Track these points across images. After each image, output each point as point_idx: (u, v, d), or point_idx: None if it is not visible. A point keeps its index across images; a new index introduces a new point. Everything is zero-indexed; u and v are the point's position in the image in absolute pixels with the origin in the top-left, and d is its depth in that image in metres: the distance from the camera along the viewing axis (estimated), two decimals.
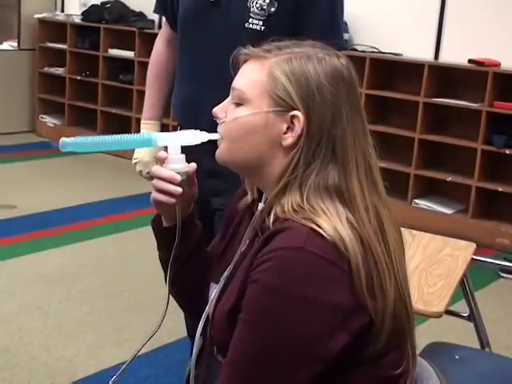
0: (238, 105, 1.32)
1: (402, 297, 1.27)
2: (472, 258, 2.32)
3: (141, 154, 2.43)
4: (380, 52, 5.25)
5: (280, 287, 1.18)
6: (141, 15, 6.64)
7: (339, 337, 1.18)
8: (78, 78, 6.85)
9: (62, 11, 7.27)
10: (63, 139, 1.34)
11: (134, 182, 5.63)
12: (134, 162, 2.44)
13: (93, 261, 4.09)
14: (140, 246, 4.40)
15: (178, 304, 1.58)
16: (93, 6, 6.76)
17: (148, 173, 2.44)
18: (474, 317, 2.48)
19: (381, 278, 1.22)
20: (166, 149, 1.39)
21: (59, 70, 7.01)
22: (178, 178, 1.34)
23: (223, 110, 1.35)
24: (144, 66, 6.39)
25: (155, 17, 6.60)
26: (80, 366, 2.94)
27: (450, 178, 5.05)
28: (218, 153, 1.36)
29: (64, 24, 6.90)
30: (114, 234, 4.58)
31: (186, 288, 1.53)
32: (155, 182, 1.38)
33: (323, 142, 1.25)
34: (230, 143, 1.33)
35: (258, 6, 2.11)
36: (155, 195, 1.39)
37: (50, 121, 7.15)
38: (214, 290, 1.40)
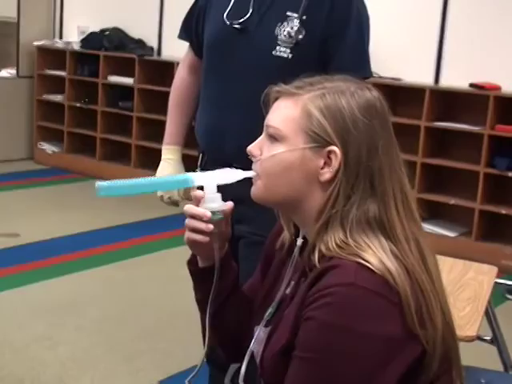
0: (274, 142, 1.32)
1: (448, 323, 1.28)
2: (495, 282, 2.32)
3: None
4: (380, 77, 5.28)
5: (335, 323, 1.19)
6: (140, 42, 6.67)
7: (395, 368, 1.19)
8: (77, 105, 6.85)
9: (61, 39, 7.29)
10: (99, 183, 1.32)
11: (135, 210, 5.67)
12: None
13: (100, 289, 4.07)
14: (146, 273, 4.40)
15: (217, 341, 1.55)
16: (92, 33, 6.78)
17: (169, 198, 2.43)
18: (497, 340, 2.48)
19: (428, 307, 1.23)
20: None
21: (58, 97, 7.02)
22: (209, 214, 1.34)
23: (258, 148, 1.35)
24: (144, 92, 6.47)
25: (154, 44, 6.64)
26: None
27: (453, 201, 5.07)
28: (254, 190, 1.36)
29: (63, 51, 6.92)
30: (119, 261, 4.56)
31: (226, 327, 1.52)
32: (187, 221, 1.37)
33: (361, 175, 1.26)
34: (267, 180, 1.33)
35: (285, 33, 2.11)
36: (189, 235, 1.38)
37: (48, 148, 7.14)
38: (260, 332, 1.40)
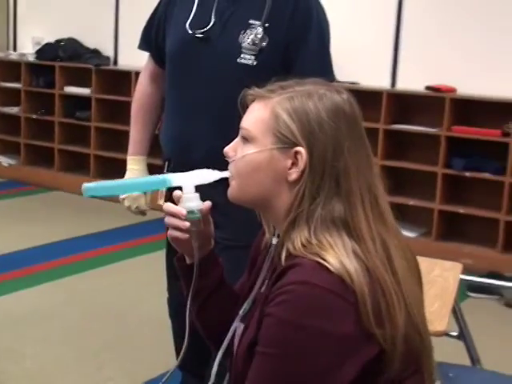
0: (246, 143, 1.37)
1: (413, 322, 1.30)
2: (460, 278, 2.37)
3: None
4: (338, 82, 5.34)
5: (291, 320, 1.22)
6: (96, 52, 6.64)
7: (349, 366, 1.22)
8: (34, 116, 6.79)
9: (15, 50, 7.22)
10: (85, 184, 1.40)
11: (96, 220, 5.64)
12: (121, 197, 2.44)
13: (64, 300, 4.03)
14: (111, 282, 4.37)
15: (203, 336, 1.60)
16: (46, 44, 6.73)
17: (137, 207, 2.44)
18: (464, 336, 2.53)
19: (389, 306, 1.26)
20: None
21: (14, 110, 6.94)
22: (184, 212, 1.39)
23: (233, 149, 1.40)
24: (101, 102, 6.44)
25: (110, 53, 6.62)
26: None
27: (412, 202, 5.14)
28: (229, 191, 1.41)
29: (18, 63, 6.85)
30: (82, 271, 4.52)
31: (210, 321, 1.56)
32: (166, 219, 1.43)
33: (326, 176, 1.30)
34: (239, 180, 1.38)
35: (249, 41, 2.14)
36: (170, 232, 1.44)
37: (5, 161, 7.05)
38: (238, 328, 1.45)
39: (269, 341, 1.25)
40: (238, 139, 1.40)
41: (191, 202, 1.40)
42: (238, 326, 1.47)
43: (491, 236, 4.88)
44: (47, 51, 6.66)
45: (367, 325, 1.22)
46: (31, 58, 6.79)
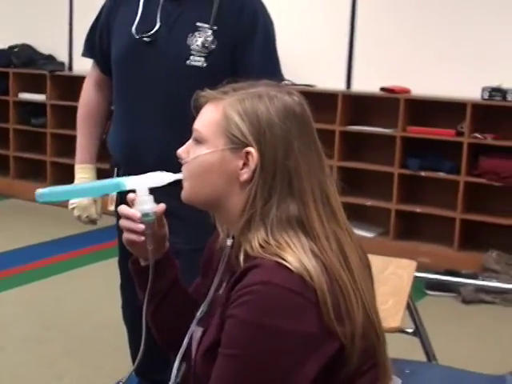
0: (198, 145, 1.38)
1: (370, 318, 1.33)
2: (415, 276, 2.40)
3: (78, 199, 2.39)
4: (294, 84, 5.37)
5: (254, 321, 1.23)
6: (50, 58, 6.57)
7: (312, 363, 1.24)
8: None
9: None
10: (38, 190, 1.40)
11: (52, 227, 5.57)
12: (71, 207, 2.41)
13: (21, 309, 3.98)
14: (68, 290, 4.34)
15: (157, 339, 1.59)
16: None
17: (87, 217, 2.41)
18: (419, 332, 2.57)
19: (347, 303, 1.28)
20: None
21: None
22: (139, 215, 1.40)
23: (186, 151, 1.41)
24: (56, 108, 6.38)
25: (65, 59, 6.56)
26: None
27: (369, 203, 5.19)
28: (182, 192, 1.42)
29: None
30: (39, 280, 4.47)
31: (165, 325, 1.57)
32: (121, 221, 1.44)
33: (278, 176, 1.31)
34: (192, 182, 1.39)
35: (199, 43, 2.16)
36: (125, 235, 1.45)
37: None
38: (196, 331, 1.45)
39: (232, 342, 1.26)
40: (190, 141, 1.41)
41: (145, 204, 1.41)
42: (195, 330, 1.47)
43: (448, 234, 4.95)
44: (0, 57, 6.57)
45: (328, 322, 1.24)
46: None
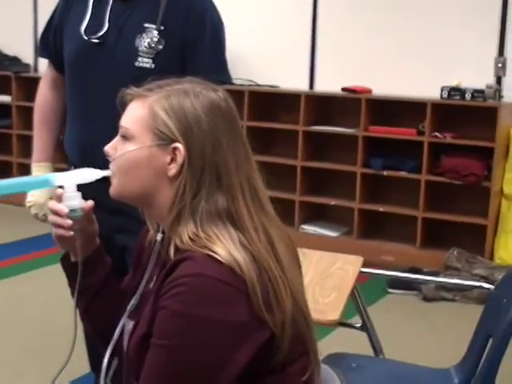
0: (125, 141, 1.40)
1: (298, 307, 1.36)
2: (361, 271, 2.44)
3: (35, 197, 2.41)
4: (257, 85, 5.41)
5: (185, 312, 1.25)
6: (15, 59, 6.56)
7: (243, 351, 1.26)
8: None
9: None
10: None
11: (19, 227, 5.54)
12: (28, 205, 2.42)
13: None
14: (30, 289, 4.34)
15: (92, 334, 1.63)
16: None
17: (44, 215, 2.42)
18: (366, 327, 2.60)
19: (276, 292, 1.31)
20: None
21: None
22: (66, 210, 1.42)
23: (113, 148, 1.43)
24: (22, 109, 6.36)
25: (30, 60, 6.55)
26: None
27: (333, 202, 5.23)
28: (111, 189, 1.44)
29: None
30: (2, 279, 4.47)
31: (98, 319, 1.59)
32: (50, 216, 1.46)
33: (206, 170, 1.34)
34: (120, 178, 1.41)
35: (146, 44, 2.17)
36: (53, 230, 1.47)
37: None
38: (128, 324, 1.47)
39: (164, 333, 1.28)
40: (117, 138, 1.43)
41: (73, 200, 1.43)
42: (126, 323, 1.48)
43: (410, 233, 5.00)
44: None
45: (258, 311, 1.27)
46: None
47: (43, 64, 6.62)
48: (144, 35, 2.18)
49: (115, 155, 1.41)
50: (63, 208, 1.42)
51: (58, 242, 1.49)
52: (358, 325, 2.67)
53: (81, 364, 2.60)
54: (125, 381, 1.48)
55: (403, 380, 2.18)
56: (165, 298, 1.28)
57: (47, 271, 4.66)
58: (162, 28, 2.18)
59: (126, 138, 1.40)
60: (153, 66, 2.17)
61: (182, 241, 1.32)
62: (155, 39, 2.17)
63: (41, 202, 2.40)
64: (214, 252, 1.28)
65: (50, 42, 2.40)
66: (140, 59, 2.18)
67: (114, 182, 1.42)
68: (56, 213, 1.43)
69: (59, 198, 1.44)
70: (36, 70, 6.58)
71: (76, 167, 2.36)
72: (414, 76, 5.05)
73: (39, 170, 2.47)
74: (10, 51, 6.61)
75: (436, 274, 4.54)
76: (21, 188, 1.52)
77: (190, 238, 1.31)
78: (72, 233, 1.44)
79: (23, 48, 6.56)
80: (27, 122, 6.33)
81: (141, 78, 2.16)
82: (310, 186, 5.31)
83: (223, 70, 2.30)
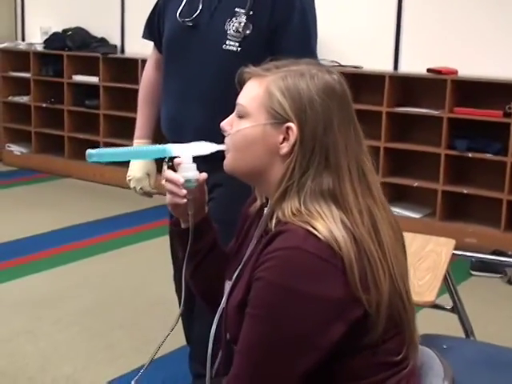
0: (241, 118, 1.46)
1: (397, 290, 1.40)
2: (453, 253, 2.46)
3: (133, 172, 2.55)
4: (341, 65, 5.41)
5: (280, 283, 1.31)
6: (103, 41, 6.72)
7: (336, 327, 1.32)
8: (44, 105, 6.89)
9: (23, 40, 7.32)
10: (89, 151, 1.52)
11: (107, 205, 5.75)
12: (128, 179, 2.56)
13: (75, 283, 4.14)
14: (121, 266, 4.49)
15: (200, 298, 1.72)
16: (54, 33, 6.81)
17: (141, 188, 2.55)
18: (457, 308, 2.62)
19: (374, 273, 1.35)
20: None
21: (24, 99, 7.05)
22: (182, 180, 1.50)
23: (229, 124, 1.49)
24: (109, 90, 6.53)
25: (117, 42, 6.70)
26: (78, 383, 3.01)
27: (416, 184, 5.22)
28: (225, 162, 1.51)
29: (26, 53, 6.94)
30: (93, 256, 4.64)
31: (205, 283, 1.68)
32: (166, 184, 1.55)
33: (316, 150, 1.39)
34: (234, 154, 1.48)
35: (234, 28, 2.25)
36: (168, 197, 1.56)
37: (16, 149, 7.16)
38: (228, 287, 1.54)
39: (259, 303, 1.34)
40: (233, 115, 1.49)
41: (189, 171, 1.51)
42: (227, 284, 1.56)
43: (495, 215, 4.95)
44: (55, 40, 6.75)
45: (354, 289, 1.31)
46: (39, 48, 6.88)
47: (130, 45, 6.86)
48: (233, 19, 2.26)
49: (231, 131, 1.48)
50: (179, 178, 1.51)
51: (170, 208, 1.59)
52: (449, 306, 2.69)
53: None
54: (224, 343, 1.54)
55: (497, 362, 2.19)
56: (261, 268, 1.34)
57: (141, 247, 4.84)
58: (251, 13, 2.25)
59: (241, 115, 1.46)
60: (239, 49, 2.25)
61: (284, 214, 1.38)
62: (242, 24, 2.24)
63: (138, 176, 2.53)
64: (313, 228, 1.33)
65: (154, 25, 2.51)
66: (228, 42, 2.26)
67: (228, 157, 1.49)
68: (172, 182, 1.52)
69: (177, 167, 1.52)
70: (123, 51, 6.73)
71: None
72: (501, 57, 4.97)
73: (138, 146, 2.58)
74: (97, 33, 6.79)
75: None
76: (139, 156, 1.64)
77: (292, 212, 1.37)
78: (185, 200, 1.52)
79: (111, 29, 6.72)
80: (114, 103, 6.54)
81: (227, 60, 2.26)
82: (393, 167, 5.31)
83: (313, 50, 2.33)
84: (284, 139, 1.41)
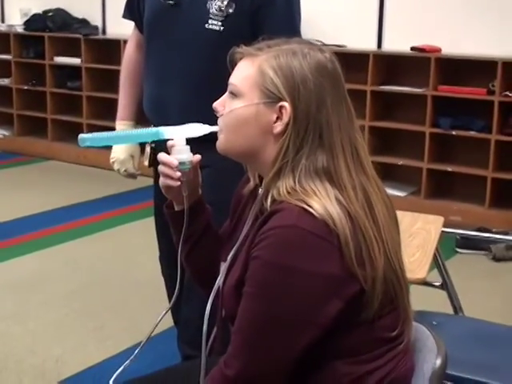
0: (233, 98, 1.45)
1: (391, 265, 1.40)
2: (443, 232, 2.48)
3: (117, 154, 2.53)
4: (324, 44, 5.38)
5: (277, 261, 1.32)
6: (84, 22, 6.66)
7: (333, 303, 1.32)
8: (25, 87, 6.83)
9: (3, 22, 7.24)
10: (82, 135, 1.49)
11: (91, 188, 5.73)
12: (111, 161, 2.54)
13: (62, 265, 4.14)
14: (108, 247, 4.49)
15: (193, 279, 1.73)
16: (34, 15, 6.74)
17: (125, 170, 2.54)
18: (446, 285, 2.64)
19: (369, 249, 1.36)
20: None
21: (5, 81, 6.98)
22: (176, 163, 1.49)
23: (221, 104, 1.48)
24: (91, 71, 6.49)
25: (99, 23, 6.65)
26: (67, 364, 3.01)
27: (401, 162, 5.24)
28: (218, 143, 1.49)
29: (6, 34, 6.86)
30: (80, 237, 4.63)
31: (199, 264, 1.69)
32: (160, 167, 1.53)
33: (310, 129, 1.39)
34: (228, 134, 1.46)
35: (216, 7, 2.23)
36: (162, 179, 1.55)
37: None
38: (223, 268, 1.54)
39: (256, 282, 1.35)
40: (226, 95, 1.48)
41: (182, 153, 1.50)
42: (222, 265, 1.56)
43: (479, 193, 4.98)
44: (35, 22, 6.67)
45: (350, 265, 1.32)
46: (20, 30, 6.81)
47: (111, 26, 6.80)
48: None
49: (223, 111, 1.47)
50: (173, 160, 1.49)
51: (164, 191, 1.58)
52: (437, 283, 2.71)
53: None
54: (220, 323, 1.56)
55: (485, 338, 2.22)
56: (258, 247, 1.35)
57: (126, 229, 4.84)
58: None
59: (234, 95, 1.45)
60: (221, 28, 2.23)
61: (279, 193, 1.38)
62: (225, 2, 2.22)
63: (121, 158, 2.52)
64: (308, 205, 1.33)
65: (134, 5, 2.49)
66: (210, 21, 2.24)
67: (221, 138, 1.48)
68: (166, 164, 1.51)
69: (170, 149, 1.51)
70: (104, 32, 6.68)
71: (154, 125, 2.46)
72: (484, 35, 4.98)
73: (121, 128, 2.57)
74: (78, 14, 6.72)
75: (505, 234, 4.53)
76: (131, 139, 1.61)
77: (287, 191, 1.37)
78: (179, 183, 1.51)
79: (92, 10, 6.66)
80: (97, 84, 6.50)
81: (210, 39, 2.24)
82: (377, 146, 5.31)
83: (297, 29, 2.32)
84: (277, 118, 1.40)
